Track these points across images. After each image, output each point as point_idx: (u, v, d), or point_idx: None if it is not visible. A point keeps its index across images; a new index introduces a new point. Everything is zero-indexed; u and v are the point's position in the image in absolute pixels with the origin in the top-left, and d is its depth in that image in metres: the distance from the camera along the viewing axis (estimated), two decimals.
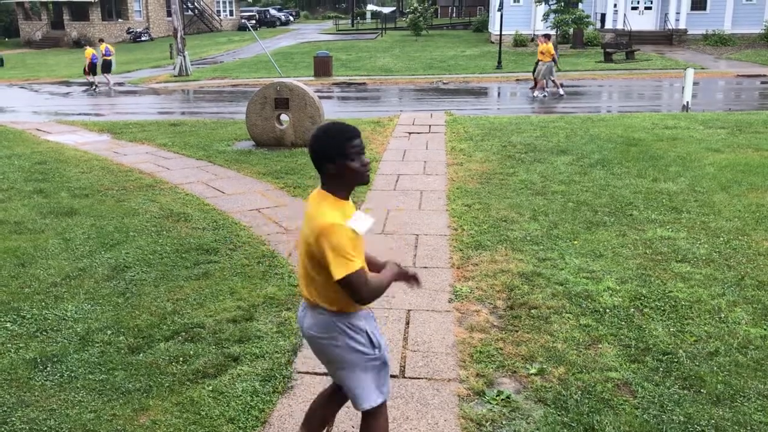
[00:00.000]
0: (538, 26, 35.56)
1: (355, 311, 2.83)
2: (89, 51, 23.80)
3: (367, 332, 2.85)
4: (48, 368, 4.25)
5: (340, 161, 2.64)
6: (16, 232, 6.99)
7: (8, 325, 4.86)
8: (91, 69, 23.72)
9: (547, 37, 19.13)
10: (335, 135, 2.64)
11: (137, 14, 53.92)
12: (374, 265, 2.96)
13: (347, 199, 2.75)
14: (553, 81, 19.03)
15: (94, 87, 23.78)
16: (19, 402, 3.88)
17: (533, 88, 19.53)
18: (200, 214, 7.60)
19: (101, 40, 25.65)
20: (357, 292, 2.64)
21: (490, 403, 3.82)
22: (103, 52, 24.32)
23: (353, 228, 2.62)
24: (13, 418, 3.72)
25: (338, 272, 2.58)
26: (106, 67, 24.53)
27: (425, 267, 5.91)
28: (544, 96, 19.04)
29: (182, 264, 6.04)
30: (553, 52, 18.54)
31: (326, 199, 2.69)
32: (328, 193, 2.70)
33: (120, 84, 25.99)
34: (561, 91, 19.08)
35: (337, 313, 2.79)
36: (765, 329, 4.62)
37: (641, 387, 3.93)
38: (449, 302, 5.18)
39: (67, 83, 26.95)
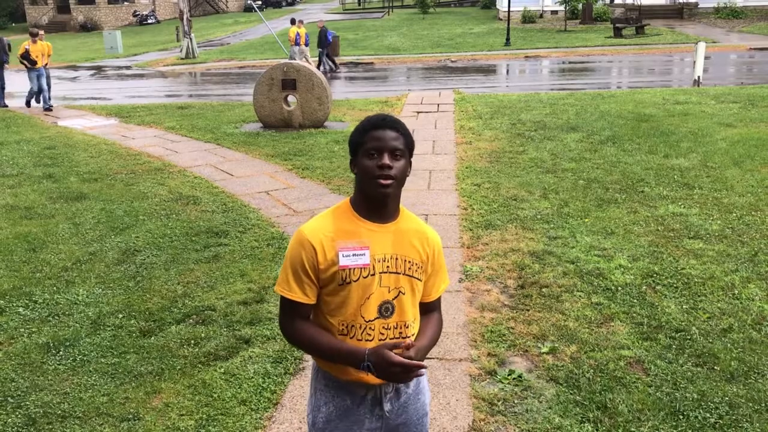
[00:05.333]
0: (547, 2, 35.16)
1: (337, 373, 2.08)
2: None
3: (321, 410, 2.14)
4: (60, 352, 4.27)
5: (354, 157, 2.06)
6: (27, 218, 7.02)
7: (20, 310, 4.89)
8: None
9: (293, 22, 20.86)
10: (362, 123, 2.04)
11: None
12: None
13: (369, 218, 2.04)
14: (307, 59, 20.27)
15: None
16: (32, 386, 3.91)
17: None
18: (209, 197, 7.60)
19: None
20: (279, 317, 2.12)
21: (502, 383, 3.81)
22: None
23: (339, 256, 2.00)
24: (27, 402, 3.75)
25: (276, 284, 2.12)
26: None
27: None
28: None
29: (192, 247, 6.04)
30: (292, 36, 20.18)
31: (337, 207, 2.11)
32: (349, 201, 2.09)
33: (127, 67, 26.03)
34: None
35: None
36: None
37: (654, 365, 3.91)
38: (460, 282, 5.16)
39: (75, 68, 26.92)
